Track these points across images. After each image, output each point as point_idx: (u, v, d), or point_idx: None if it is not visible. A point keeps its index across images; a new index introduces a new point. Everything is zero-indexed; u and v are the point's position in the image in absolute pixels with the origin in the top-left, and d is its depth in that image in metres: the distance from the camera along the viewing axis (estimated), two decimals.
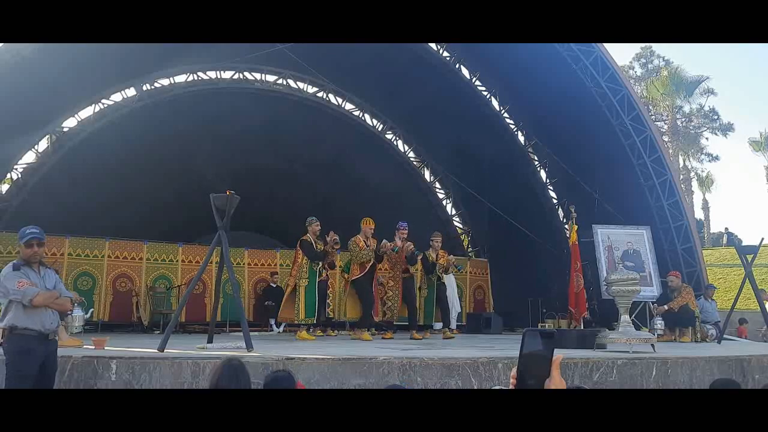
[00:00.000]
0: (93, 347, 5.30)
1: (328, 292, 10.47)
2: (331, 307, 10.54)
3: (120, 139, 12.40)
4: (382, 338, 8.38)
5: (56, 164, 12.41)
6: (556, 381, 1.13)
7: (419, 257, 8.95)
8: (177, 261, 11.41)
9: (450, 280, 10.39)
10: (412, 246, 8.70)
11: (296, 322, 8.22)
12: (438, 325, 9.51)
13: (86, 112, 12.84)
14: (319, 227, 8.35)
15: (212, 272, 9.78)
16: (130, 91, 13.13)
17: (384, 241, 8.41)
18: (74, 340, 5.66)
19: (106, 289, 10.66)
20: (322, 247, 8.23)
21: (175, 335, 7.27)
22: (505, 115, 14.45)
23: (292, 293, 8.20)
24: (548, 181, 14.53)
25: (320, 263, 8.33)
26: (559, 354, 1.15)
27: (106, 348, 5.28)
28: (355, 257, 8.34)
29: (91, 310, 8.94)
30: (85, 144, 12.49)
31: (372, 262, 8.36)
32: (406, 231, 8.79)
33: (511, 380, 1.17)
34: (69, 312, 5.50)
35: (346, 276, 9.58)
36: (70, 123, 12.80)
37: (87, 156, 12.32)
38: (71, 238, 10.53)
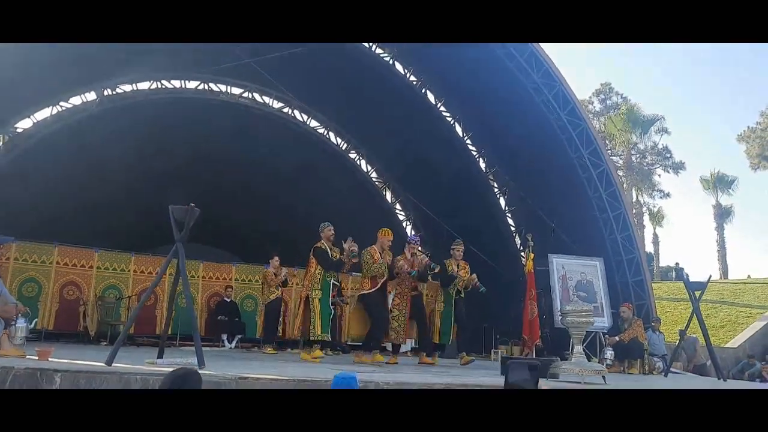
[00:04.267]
0: (37, 358, 5.09)
1: (281, 310, 10.33)
2: (282, 326, 10.43)
3: (77, 143, 12.09)
4: (386, 363, 7.40)
5: (7, 165, 11.98)
6: None
7: (436, 270, 7.94)
8: (129, 271, 11.08)
9: None
10: (428, 258, 7.94)
11: (311, 338, 7.25)
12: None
13: (42, 114, 12.48)
14: (333, 233, 7.48)
15: (165, 284, 9.54)
16: (91, 95, 12.82)
17: (401, 262, 7.70)
18: (17, 351, 5.42)
19: (52, 297, 10.27)
20: (338, 255, 7.37)
21: (123, 347, 7.04)
22: (468, 141, 14.67)
23: (307, 307, 7.30)
24: (507, 208, 14.76)
25: (336, 274, 7.53)
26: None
27: (50, 359, 5.07)
28: (368, 270, 7.54)
29: (35, 320, 8.57)
30: (40, 146, 12.13)
31: (385, 278, 7.56)
32: (419, 246, 8.08)
33: None
34: (13, 321, 5.29)
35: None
36: (24, 124, 12.41)
37: (41, 159, 11.95)
38: (18, 243, 10.14)
